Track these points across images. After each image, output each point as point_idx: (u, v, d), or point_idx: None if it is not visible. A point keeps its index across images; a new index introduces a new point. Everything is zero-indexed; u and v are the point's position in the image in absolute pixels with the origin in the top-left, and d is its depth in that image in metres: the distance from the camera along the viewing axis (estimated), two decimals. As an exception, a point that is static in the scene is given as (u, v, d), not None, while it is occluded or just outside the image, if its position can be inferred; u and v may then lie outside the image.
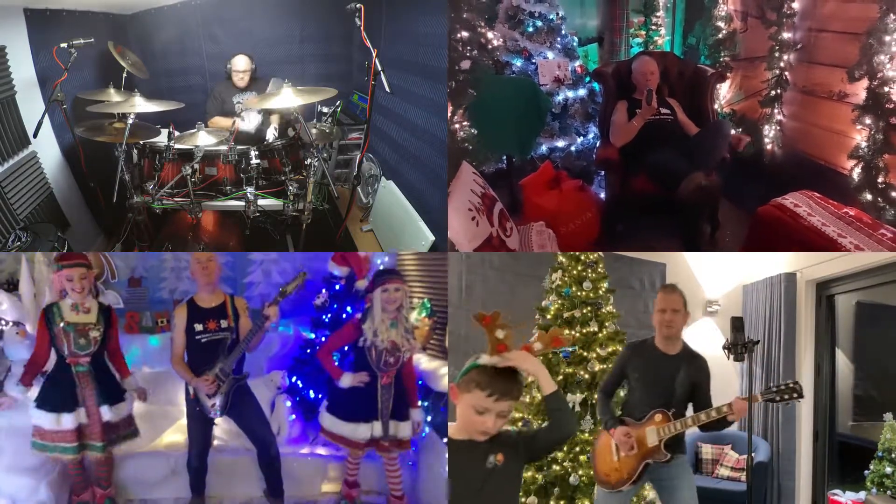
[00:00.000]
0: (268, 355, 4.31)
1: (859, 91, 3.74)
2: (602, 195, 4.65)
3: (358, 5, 3.65)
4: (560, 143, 4.77)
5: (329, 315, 3.99)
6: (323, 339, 3.92)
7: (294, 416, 3.92)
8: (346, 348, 3.35)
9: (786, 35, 4.42)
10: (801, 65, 4.44)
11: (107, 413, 3.06)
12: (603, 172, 4.64)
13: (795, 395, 2.63)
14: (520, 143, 4.54)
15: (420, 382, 3.55)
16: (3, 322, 3.80)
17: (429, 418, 3.52)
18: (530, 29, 4.61)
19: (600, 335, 3.57)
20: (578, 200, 4.33)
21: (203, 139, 4.03)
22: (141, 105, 3.71)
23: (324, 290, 4.02)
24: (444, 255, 4.42)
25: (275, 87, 4.23)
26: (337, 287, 3.99)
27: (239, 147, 4.14)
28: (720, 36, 5.01)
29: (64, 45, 3.82)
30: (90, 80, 4.69)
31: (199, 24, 5.81)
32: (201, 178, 4.08)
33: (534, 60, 4.66)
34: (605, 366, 3.51)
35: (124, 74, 4.54)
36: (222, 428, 3.58)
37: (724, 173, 4.33)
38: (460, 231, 3.15)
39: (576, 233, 4.22)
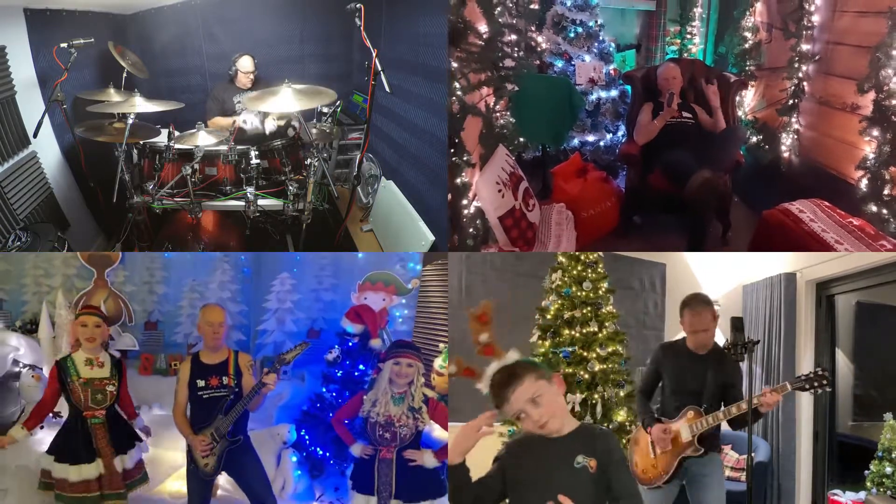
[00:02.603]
0: (278, 404, 4.29)
1: (868, 103, 3.84)
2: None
3: (358, 5, 3.65)
4: (590, 138, 5.25)
5: (341, 371, 3.95)
6: (333, 394, 3.92)
7: (300, 472, 3.85)
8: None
9: (805, 47, 4.60)
10: (819, 76, 4.60)
11: (122, 461, 3.07)
12: (625, 166, 5.04)
13: (825, 382, 2.62)
14: (554, 135, 4.96)
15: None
16: (20, 365, 3.82)
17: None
18: (572, 34, 5.11)
19: (600, 335, 3.58)
20: (601, 189, 4.70)
21: (203, 139, 4.03)
22: (141, 105, 3.71)
23: (336, 346, 3.99)
24: (443, 254, 4.43)
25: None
26: (350, 344, 3.96)
27: (239, 147, 4.14)
28: (746, 46, 5.26)
29: (64, 45, 3.82)
30: (90, 80, 4.69)
31: (199, 24, 5.81)
32: (201, 178, 4.08)
33: (573, 62, 5.15)
34: (605, 366, 3.52)
35: (124, 74, 4.54)
36: (227, 478, 3.47)
37: (740, 177, 4.66)
38: (487, 200, 3.53)
39: (596, 218, 4.62)
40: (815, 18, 4.52)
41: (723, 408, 2.84)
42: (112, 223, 4.57)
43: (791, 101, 4.80)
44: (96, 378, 3.03)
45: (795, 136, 4.87)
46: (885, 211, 3.77)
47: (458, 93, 3.23)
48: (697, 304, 2.86)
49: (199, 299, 5.12)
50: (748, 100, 5.40)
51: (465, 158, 3.33)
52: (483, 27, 3.50)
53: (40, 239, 3.63)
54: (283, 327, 5.15)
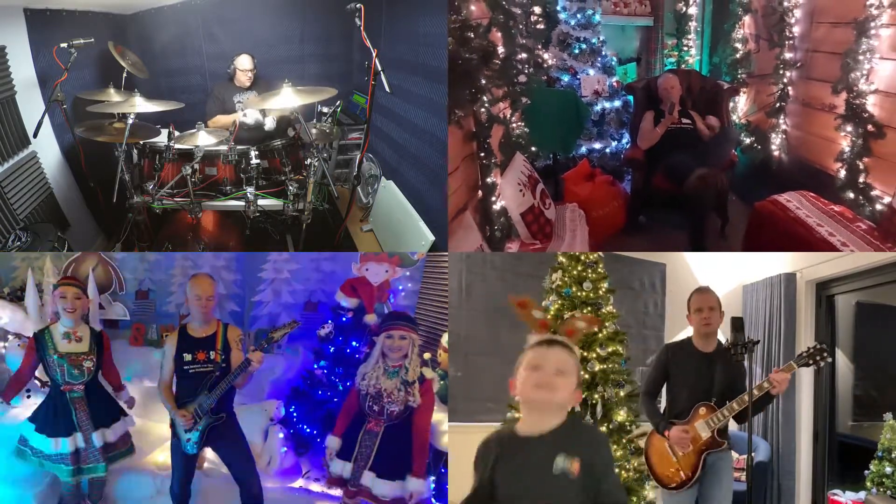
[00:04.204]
0: (271, 378, 4.24)
1: (841, 103, 4.23)
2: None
3: (358, 5, 3.66)
4: (597, 145, 5.65)
5: (333, 347, 3.85)
6: (325, 370, 3.83)
7: (286, 449, 3.79)
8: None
9: (788, 55, 5.05)
10: (801, 80, 5.04)
11: (104, 435, 3.09)
12: (630, 170, 5.41)
13: (826, 354, 2.74)
14: (563, 143, 5.35)
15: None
16: (6, 334, 3.80)
17: (432, 485, 3.24)
18: (576, 51, 5.51)
19: (600, 335, 3.57)
20: (608, 192, 5.08)
21: (203, 139, 4.02)
22: (141, 105, 3.71)
23: (329, 321, 3.89)
24: (440, 259, 4.43)
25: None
26: (344, 319, 3.84)
27: (239, 147, 4.14)
28: (737, 56, 5.67)
29: (64, 45, 3.82)
30: (90, 80, 4.69)
31: (199, 24, 5.81)
32: (201, 178, 4.08)
33: (578, 76, 5.56)
34: (605, 366, 3.51)
35: (124, 74, 4.54)
36: (213, 453, 3.47)
37: (736, 175, 5.17)
38: (511, 198, 3.96)
39: (604, 217, 4.97)
40: (796, 29, 4.98)
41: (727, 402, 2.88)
42: (112, 223, 4.57)
43: (778, 105, 5.21)
44: (73, 353, 3.01)
45: (783, 136, 5.27)
46: (861, 197, 4.12)
47: (486, 105, 3.72)
48: (703, 288, 3.03)
49: (192, 267, 4.87)
50: (741, 105, 5.77)
51: (493, 161, 3.83)
52: (501, 48, 4.06)
53: (40, 239, 3.63)
54: (280, 299, 4.93)
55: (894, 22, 3.83)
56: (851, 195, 4.16)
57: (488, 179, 3.82)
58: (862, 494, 3.76)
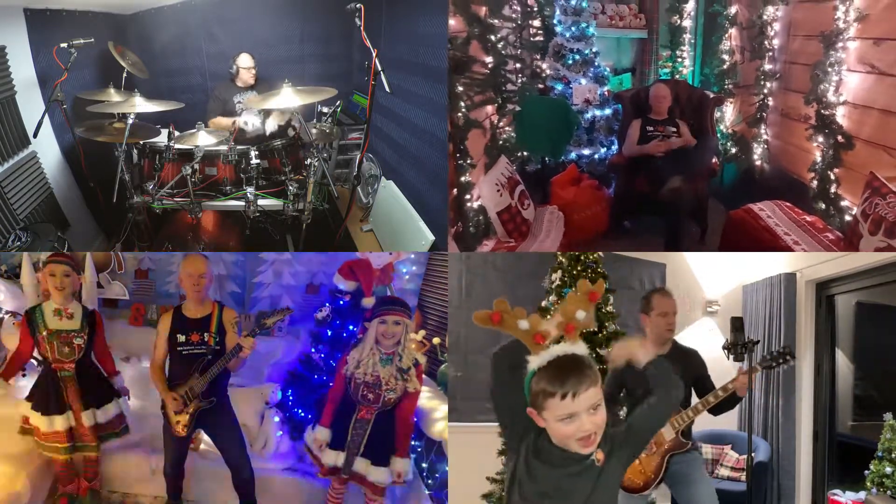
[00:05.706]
0: (269, 362, 4.21)
1: (813, 113, 4.34)
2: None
3: (358, 5, 3.65)
4: (586, 151, 5.81)
5: (330, 331, 3.79)
6: (322, 354, 3.80)
7: (281, 433, 3.76)
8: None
9: (767, 66, 5.23)
10: (780, 91, 5.21)
11: (94, 415, 3.10)
12: (615, 175, 5.56)
13: (789, 356, 2.79)
14: (553, 148, 5.49)
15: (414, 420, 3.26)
16: (1, 311, 3.79)
17: (411, 469, 3.18)
18: (570, 61, 5.69)
19: (600, 335, 3.57)
20: (592, 195, 5.22)
21: (203, 139, 4.02)
22: (141, 105, 3.71)
23: (327, 305, 3.82)
24: (444, 254, 4.43)
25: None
26: (341, 302, 3.78)
27: (239, 147, 4.14)
28: (724, 67, 5.83)
29: (64, 45, 3.82)
30: (90, 80, 4.69)
31: (199, 24, 5.82)
32: (201, 178, 4.08)
33: (571, 85, 5.76)
34: (605, 366, 3.51)
35: (124, 74, 4.54)
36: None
37: (723, 181, 5.45)
38: (489, 198, 4.19)
39: (587, 220, 5.11)
40: (776, 42, 5.15)
41: (694, 400, 2.87)
42: (112, 223, 4.56)
43: (759, 115, 5.37)
44: (63, 330, 3.01)
45: (765, 146, 5.42)
46: (831, 207, 4.24)
47: (464, 110, 3.90)
48: (665, 290, 3.00)
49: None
50: (728, 115, 5.92)
51: (468, 162, 3.98)
52: (489, 59, 4.33)
53: (40, 239, 3.62)
54: (281, 280, 4.77)
55: (860, 35, 3.87)
56: (823, 205, 4.24)
57: (462, 179, 3.99)
58: (862, 494, 3.76)
